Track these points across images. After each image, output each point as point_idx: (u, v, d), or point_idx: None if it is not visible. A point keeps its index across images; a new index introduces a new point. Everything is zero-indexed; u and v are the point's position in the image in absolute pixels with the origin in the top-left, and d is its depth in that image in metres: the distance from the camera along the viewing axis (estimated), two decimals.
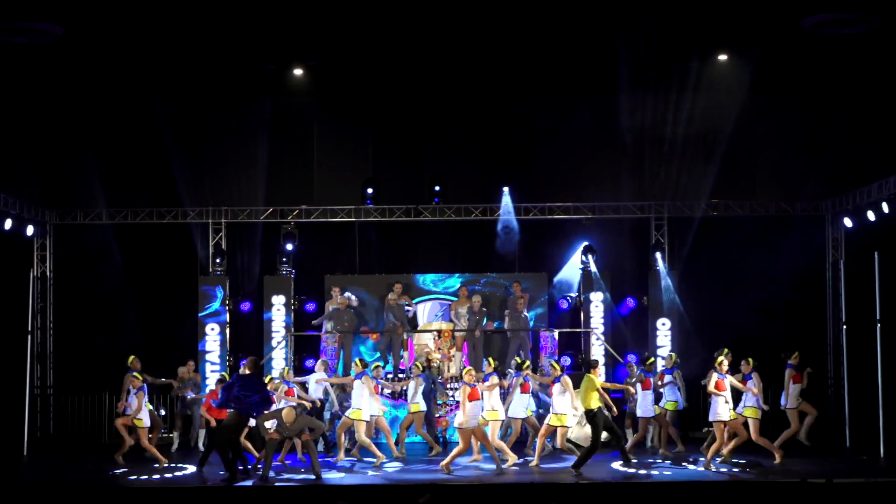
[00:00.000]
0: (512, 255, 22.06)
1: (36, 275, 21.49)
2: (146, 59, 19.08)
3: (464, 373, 17.16)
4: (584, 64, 19.74)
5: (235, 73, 20.09)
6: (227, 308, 21.77)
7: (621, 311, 22.03)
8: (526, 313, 21.37)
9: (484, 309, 21.42)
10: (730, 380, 16.75)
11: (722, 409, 16.63)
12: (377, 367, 19.02)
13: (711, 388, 16.83)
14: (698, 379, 18.81)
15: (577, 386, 17.09)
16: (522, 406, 18.11)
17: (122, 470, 17.20)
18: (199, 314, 21.72)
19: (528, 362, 18.51)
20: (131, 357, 18.43)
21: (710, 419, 16.86)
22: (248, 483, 15.98)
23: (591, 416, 16.61)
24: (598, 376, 16.90)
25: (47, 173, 21.57)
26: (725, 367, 16.82)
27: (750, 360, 17.27)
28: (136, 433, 17.79)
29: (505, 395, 18.18)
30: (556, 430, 17.18)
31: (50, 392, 21.70)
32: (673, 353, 19.31)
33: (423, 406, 18.88)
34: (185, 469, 17.44)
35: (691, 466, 17.17)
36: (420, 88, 21.00)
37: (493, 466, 16.84)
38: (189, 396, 19.72)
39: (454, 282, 22.11)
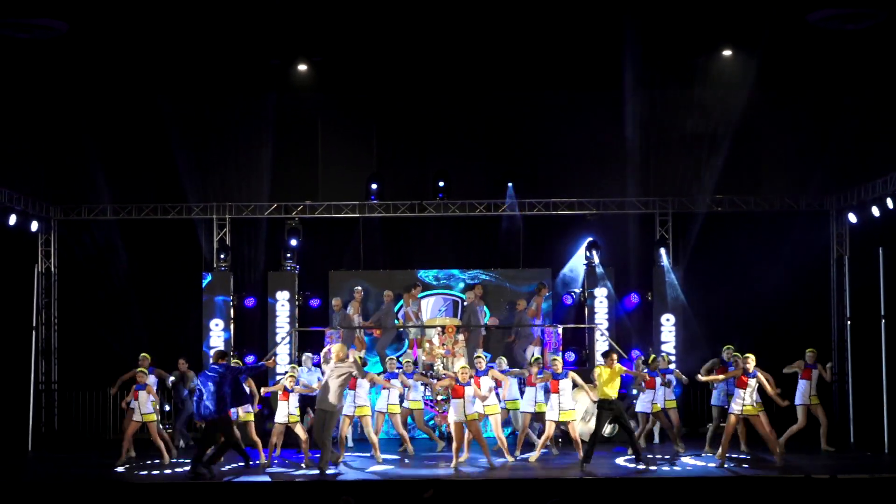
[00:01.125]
0: (516, 250, 22.11)
1: (40, 270, 21.50)
2: (150, 55, 19.10)
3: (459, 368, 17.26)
4: (590, 60, 19.75)
5: (240, 69, 20.12)
6: (231, 302, 21.79)
7: (623, 309, 22.02)
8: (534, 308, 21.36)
9: (481, 300, 21.40)
10: (760, 376, 16.72)
11: (736, 403, 16.79)
12: (408, 362, 18.99)
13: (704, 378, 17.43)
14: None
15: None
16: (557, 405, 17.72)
17: (126, 466, 17.28)
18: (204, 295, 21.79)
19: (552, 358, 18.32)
20: (142, 354, 18.49)
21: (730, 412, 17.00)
22: (260, 478, 16.01)
23: (609, 405, 16.67)
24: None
25: (51, 169, 21.59)
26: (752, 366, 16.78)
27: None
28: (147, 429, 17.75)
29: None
30: (568, 424, 17.28)
31: (54, 388, 21.72)
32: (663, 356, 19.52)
33: (422, 403, 18.93)
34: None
35: (692, 461, 17.20)
36: (425, 84, 21.01)
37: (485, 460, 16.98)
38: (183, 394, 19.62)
39: (458, 281, 22.14)
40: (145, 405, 17.54)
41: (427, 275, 22.15)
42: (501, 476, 16.15)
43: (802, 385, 18.08)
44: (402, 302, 21.71)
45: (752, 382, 16.50)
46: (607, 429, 18.37)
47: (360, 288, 21.57)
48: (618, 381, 16.78)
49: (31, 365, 20.69)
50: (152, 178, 21.92)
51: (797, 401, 17.99)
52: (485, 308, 21.64)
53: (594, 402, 17.09)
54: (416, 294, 21.59)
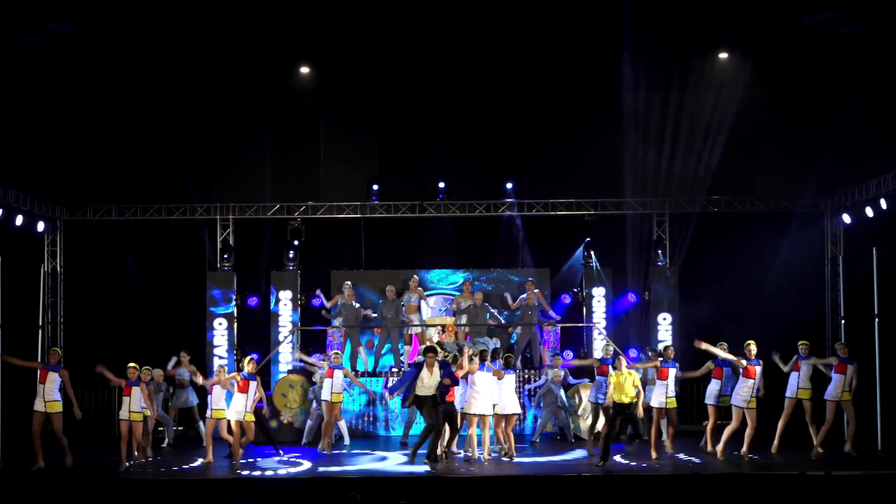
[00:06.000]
0: (516, 249, 22.32)
1: (46, 270, 21.71)
2: (155, 58, 19.26)
3: None
4: (588, 61, 19.91)
5: (243, 72, 20.31)
6: (235, 302, 21.99)
7: (618, 308, 22.22)
8: (538, 303, 21.54)
9: (486, 304, 21.64)
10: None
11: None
12: (336, 353, 18.91)
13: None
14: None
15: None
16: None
17: (129, 462, 17.48)
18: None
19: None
20: (52, 348, 18.38)
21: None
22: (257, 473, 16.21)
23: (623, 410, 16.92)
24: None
25: (57, 170, 21.70)
26: (754, 351, 17.34)
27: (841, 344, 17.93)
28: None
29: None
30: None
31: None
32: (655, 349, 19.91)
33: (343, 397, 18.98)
34: (194, 462, 17.76)
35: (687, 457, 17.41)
36: (425, 86, 21.18)
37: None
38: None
39: (458, 277, 22.36)
40: (135, 402, 17.31)
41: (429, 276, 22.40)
42: (500, 473, 16.32)
43: (836, 379, 17.66)
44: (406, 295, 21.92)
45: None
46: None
47: (349, 283, 21.68)
48: (630, 384, 16.76)
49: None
50: (157, 180, 22.05)
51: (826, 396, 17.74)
52: (487, 305, 21.82)
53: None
54: (414, 285, 21.70)
